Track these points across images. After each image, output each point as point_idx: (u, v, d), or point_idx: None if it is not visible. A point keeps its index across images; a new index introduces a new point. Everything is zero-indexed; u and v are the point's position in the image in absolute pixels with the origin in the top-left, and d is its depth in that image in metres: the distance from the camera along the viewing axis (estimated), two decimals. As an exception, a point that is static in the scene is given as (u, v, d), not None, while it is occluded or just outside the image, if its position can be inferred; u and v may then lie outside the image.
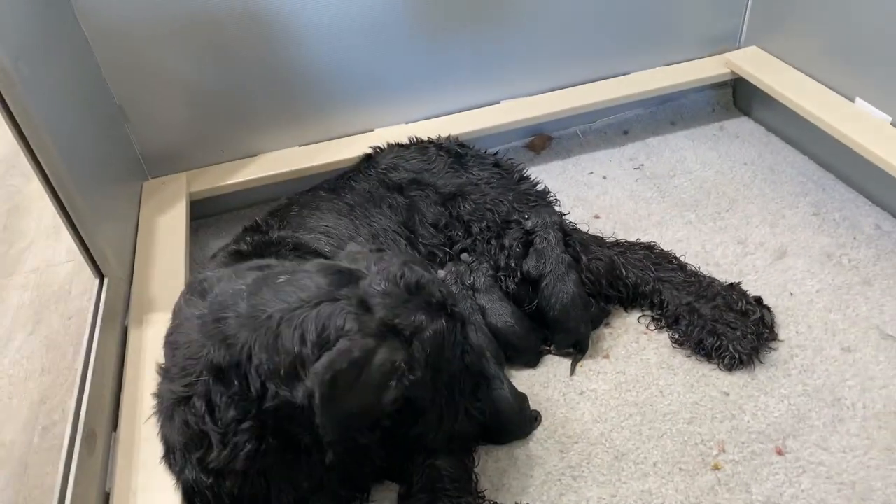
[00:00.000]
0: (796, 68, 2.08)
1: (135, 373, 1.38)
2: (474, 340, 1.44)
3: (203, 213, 2.05)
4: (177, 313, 1.25)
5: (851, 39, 1.87)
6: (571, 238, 1.65)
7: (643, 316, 1.63)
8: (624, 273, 1.62)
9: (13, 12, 1.35)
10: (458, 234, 1.71)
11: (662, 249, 1.72)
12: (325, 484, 1.23)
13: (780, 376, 1.46)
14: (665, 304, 1.60)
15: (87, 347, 1.34)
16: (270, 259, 1.35)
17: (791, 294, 1.65)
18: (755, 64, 2.15)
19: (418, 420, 1.22)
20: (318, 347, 1.02)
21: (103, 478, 1.21)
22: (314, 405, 1.02)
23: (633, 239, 1.78)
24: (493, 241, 1.67)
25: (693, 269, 1.68)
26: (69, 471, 1.12)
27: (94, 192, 1.54)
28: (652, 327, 1.60)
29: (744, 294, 1.60)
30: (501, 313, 1.54)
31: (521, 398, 1.41)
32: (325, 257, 1.49)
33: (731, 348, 1.49)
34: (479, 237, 1.69)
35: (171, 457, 1.16)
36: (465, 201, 1.72)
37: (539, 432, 1.41)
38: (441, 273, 1.64)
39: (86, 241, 1.45)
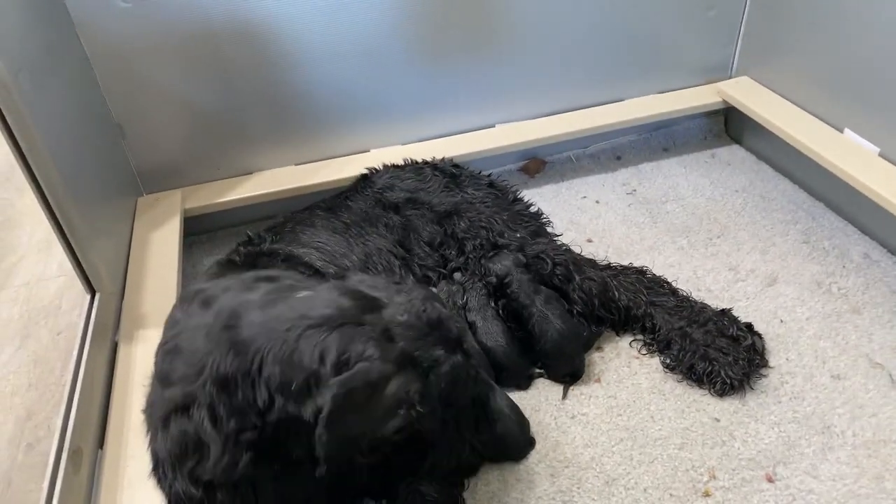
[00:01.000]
0: (786, 98, 2.11)
1: (123, 389, 1.37)
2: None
3: (197, 230, 2.05)
4: (173, 323, 1.24)
5: (840, 71, 1.90)
6: (558, 263, 1.63)
7: (635, 340, 1.63)
8: (616, 295, 1.63)
9: (14, 27, 1.36)
10: (451, 252, 1.72)
11: (654, 274, 1.73)
12: (313, 498, 1.21)
13: (771, 403, 1.47)
14: (657, 328, 1.60)
15: (76, 363, 1.33)
16: (272, 270, 1.36)
17: (781, 321, 1.66)
18: (746, 93, 2.19)
19: (423, 451, 1.22)
20: (337, 368, 1.03)
21: (89, 496, 1.20)
22: (319, 418, 1.01)
23: (625, 263, 1.79)
24: (483, 262, 1.68)
25: (684, 294, 1.69)
26: (54, 488, 1.11)
27: (88, 207, 1.54)
28: (643, 351, 1.61)
29: (735, 320, 1.61)
30: (492, 332, 1.54)
31: (524, 421, 1.41)
32: (315, 269, 1.50)
33: (722, 374, 1.49)
34: (471, 255, 1.70)
35: (161, 470, 1.14)
36: (461, 219, 1.74)
37: (530, 456, 1.40)
38: (434, 291, 1.65)
39: (79, 256, 1.44)
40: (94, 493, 1.20)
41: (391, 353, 1.05)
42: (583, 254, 1.81)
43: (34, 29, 1.47)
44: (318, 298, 1.11)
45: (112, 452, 1.25)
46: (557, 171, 2.29)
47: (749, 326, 1.60)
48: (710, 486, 1.32)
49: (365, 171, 1.90)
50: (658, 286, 1.68)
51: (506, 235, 1.69)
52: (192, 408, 1.08)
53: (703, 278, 1.80)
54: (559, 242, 1.78)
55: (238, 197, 1.97)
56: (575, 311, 1.60)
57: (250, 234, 1.64)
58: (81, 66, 1.72)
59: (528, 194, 2.05)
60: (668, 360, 1.56)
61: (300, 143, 2.06)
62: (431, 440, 1.19)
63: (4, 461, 1.49)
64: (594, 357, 1.60)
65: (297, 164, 2.08)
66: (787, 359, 1.56)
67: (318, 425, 1.02)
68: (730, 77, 2.32)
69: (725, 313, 1.63)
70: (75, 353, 1.36)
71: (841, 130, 1.93)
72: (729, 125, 2.39)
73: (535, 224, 1.78)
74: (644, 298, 1.64)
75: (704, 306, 1.65)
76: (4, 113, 1.22)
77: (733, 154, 2.31)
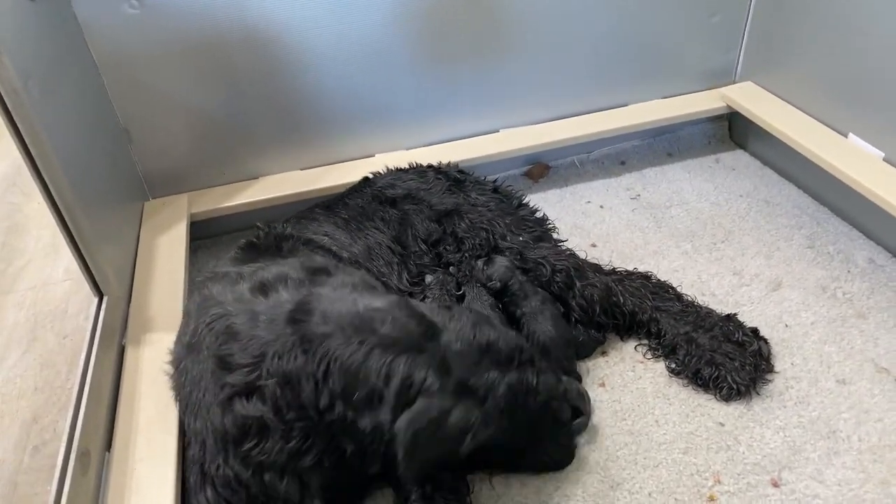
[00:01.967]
0: (790, 103, 2.12)
1: (131, 392, 1.37)
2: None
3: (203, 235, 2.06)
4: (210, 301, 1.28)
5: (844, 76, 1.91)
6: (559, 269, 1.63)
7: (640, 344, 1.63)
8: (621, 300, 1.62)
9: (25, 34, 1.37)
10: (448, 248, 1.72)
11: (659, 279, 1.73)
12: (355, 486, 1.28)
13: (776, 408, 1.47)
14: (663, 333, 1.60)
15: (83, 365, 1.34)
16: (315, 258, 1.41)
17: (786, 326, 1.66)
18: (750, 98, 2.19)
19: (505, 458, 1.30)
20: (398, 393, 1.10)
21: (96, 498, 1.20)
22: (397, 459, 1.10)
23: (630, 268, 1.79)
24: (486, 269, 1.68)
25: (689, 299, 1.69)
26: (62, 490, 1.11)
27: (96, 211, 1.55)
28: (648, 356, 1.61)
29: (741, 325, 1.61)
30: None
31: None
32: (333, 253, 1.55)
33: (728, 379, 1.49)
34: (468, 253, 1.70)
35: (207, 452, 1.18)
36: (462, 219, 1.74)
37: (534, 460, 1.40)
38: (428, 278, 1.67)
39: (86, 259, 1.45)
40: (102, 496, 1.21)
41: (448, 385, 1.11)
42: (587, 259, 1.81)
43: (43, 36, 1.48)
44: (388, 315, 1.17)
45: (120, 455, 1.25)
46: (561, 175, 2.30)
47: (755, 331, 1.60)
48: (716, 491, 1.32)
49: (367, 175, 1.91)
50: (663, 291, 1.69)
51: (508, 238, 1.69)
52: (255, 395, 1.14)
53: (707, 283, 1.80)
54: (563, 248, 1.78)
55: (244, 201, 1.98)
56: (573, 319, 1.60)
57: (260, 224, 1.63)
58: (89, 72, 1.74)
59: (532, 199, 2.05)
60: (673, 365, 1.56)
61: (305, 148, 2.07)
62: (504, 447, 1.26)
63: (11, 464, 1.49)
64: (599, 361, 1.60)
65: (302, 169, 2.09)
66: (792, 363, 1.56)
67: (397, 456, 1.10)
68: (734, 82, 2.33)
69: (731, 318, 1.63)
70: (83, 355, 1.37)
71: (845, 135, 1.93)
72: (733, 130, 2.39)
73: (540, 229, 1.78)
74: (649, 304, 1.64)
75: (710, 311, 1.65)
76: (15, 119, 1.23)
77: (737, 159, 2.31)
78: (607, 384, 1.55)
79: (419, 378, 1.11)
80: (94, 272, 1.47)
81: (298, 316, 1.17)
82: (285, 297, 1.22)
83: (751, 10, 2.21)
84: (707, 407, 1.48)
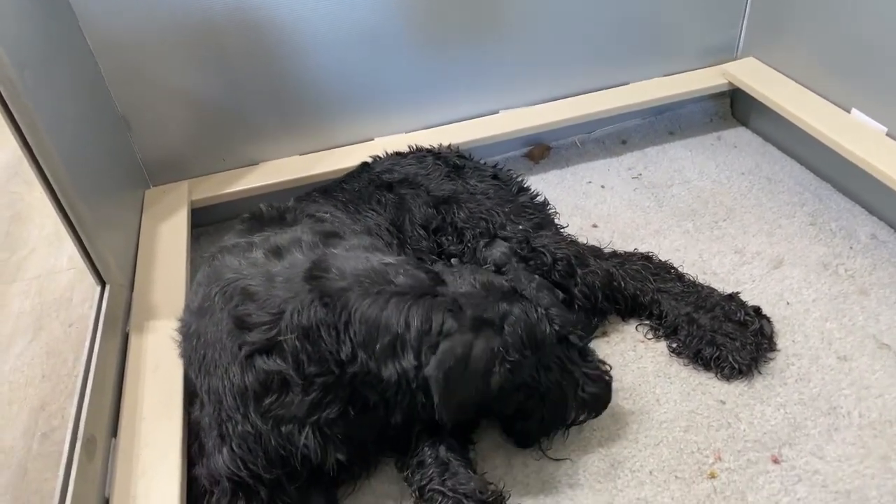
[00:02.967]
0: (793, 79, 2.09)
1: (135, 379, 1.39)
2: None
3: (204, 221, 2.07)
4: (227, 268, 1.30)
5: (847, 51, 1.88)
6: (559, 258, 1.62)
7: (640, 325, 1.64)
8: (623, 285, 1.62)
9: (19, 23, 1.37)
10: (449, 239, 1.72)
11: (660, 260, 1.72)
12: (377, 437, 1.31)
13: (777, 385, 1.47)
14: (664, 314, 1.60)
15: (87, 353, 1.35)
16: (325, 223, 1.46)
17: (787, 303, 1.66)
18: (752, 75, 2.17)
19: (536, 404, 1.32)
20: (420, 336, 1.16)
21: (103, 484, 1.22)
22: (435, 403, 1.16)
23: (631, 248, 1.79)
24: (483, 250, 1.68)
25: (691, 279, 1.68)
26: (69, 476, 1.13)
27: (96, 199, 1.55)
28: (649, 336, 1.61)
29: (743, 304, 1.61)
30: None
31: None
32: (335, 229, 1.55)
33: (730, 358, 1.49)
34: (469, 244, 1.70)
35: (226, 411, 1.20)
36: (460, 208, 1.73)
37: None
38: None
39: (88, 248, 1.46)
40: (109, 481, 1.22)
41: (465, 321, 1.17)
42: (588, 239, 1.81)
43: (38, 25, 1.48)
44: (401, 267, 1.23)
45: (125, 441, 1.27)
46: (562, 156, 2.29)
47: (757, 310, 1.60)
48: (716, 468, 1.33)
49: (366, 160, 1.91)
50: (664, 272, 1.68)
51: (507, 228, 1.68)
52: (274, 351, 1.17)
53: (708, 261, 1.80)
54: (565, 234, 1.77)
55: (244, 187, 1.98)
56: (576, 306, 1.59)
57: (262, 205, 1.64)
58: (85, 60, 1.73)
59: (532, 180, 2.06)
60: (674, 345, 1.57)
61: (304, 133, 2.07)
62: (540, 389, 1.29)
63: (20, 451, 1.52)
64: (600, 342, 1.61)
65: (301, 154, 2.09)
66: (793, 341, 1.56)
67: (433, 401, 1.16)
68: (735, 58, 2.31)
69: (733, 297, 1.62)
70: (87, 343, 1.38)
71: (848, 110, 1.91)
72: (735, 107, 2.37)
73: (540, 215, 1.76)
74: (651, 285, 1.63)
75: (711, 291, 1.65)
76: (11, 109, 1.23)
77: (739, 136, 2.29)
78: (608, 364, 1.55)
79: (437, 321, 1.16)
80: (95, 261, 1.48)
81: (316, 273, 1.21)
82: (300, 258, 1.27)
83: (752, -15, 2.18)
84: (708, 385, 1.49)
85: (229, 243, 1.42)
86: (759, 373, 1.50)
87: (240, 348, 1.18)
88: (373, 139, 2.12)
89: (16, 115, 1.24)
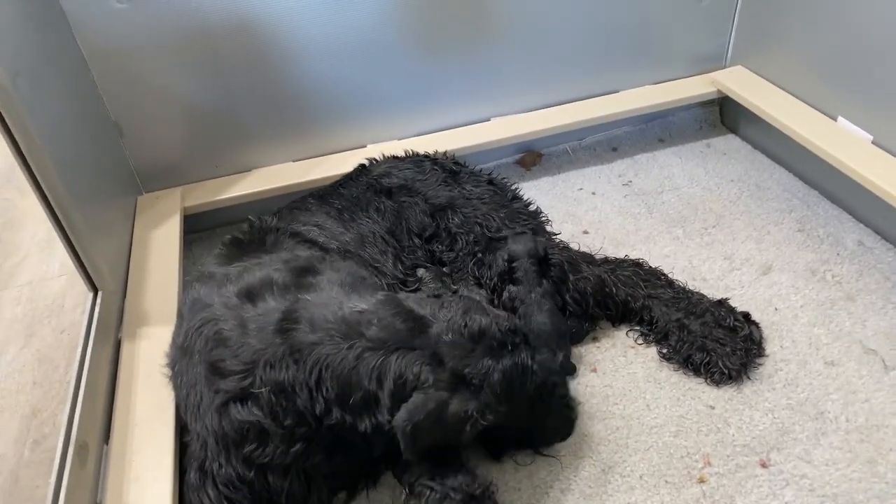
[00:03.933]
0: (781, 87, 2.12)
1: (128, 385, 1.39)
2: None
3: (197, 228, 2.07)
4: (200, 305, 1.29)
5: (834, 60, 1.91)
6: (553, 263, 1.64)
7: (631, 330, 1.65)
8: (614, 291, 1.64)
9: (12, 30, 1.37)
10: (442, 247, 1.73)
11: (651, 266, 1.74)
12: (360, 472, 1.31)
13: (765, 390, 1.49)
14: (655, 320, 1.62)
15: (80, 360, 1.35)
16: (299, 251, 1.41)
17: (776, 309, 1.67)
18: (741, 83, 2.20)
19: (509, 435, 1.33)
20: (393, 394, 1.12)
21: (95, 490, 1.22)
22: (401, 448, 1.13)
23: (621, 254, 1.81)
24: (480, 255, 1.68)
25: (681, 285, 1.70)
26: (61, 482, 1.13)
27: (89, 206, 1.55)
28: (640, 342, 1.62)
29: (732, 310, 1.62)
30: None
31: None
32: (320, 245, 1.55)
33: (720, 364, 1.51)
34: (462, 252, 1.70)
35: (210, 453, 1.19)
36: (455, 214, 1.74)
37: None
38: (420, 272, 1.68)
39: (80, 254, 1.46)
40: (101, 487, 1.22)
41: (442, 377, 1.13)
42: (579, 246, 1.82)
43: (31, 31, 1.48)
44: (374, 316, 1.17)
45: (117, 447, 1.27)
46: (554, 163, 2.30)
47: (746, 316, 1.62)
48: (705, 473, 1.34)
49: (363, 162, 1.91)
50: (655, 278, 1.70)
51: (503, 232, 1.70)
52: (249, 401, 1.16)
53: (698, 268, 1.82)
54: (557, 241, 1.79)
55: (237, 194, 1.99)
56: (568, 311, 1.61)
57: (251, 217, 1.64)
58: (78, 66, 1.74)
59: (524, 187, 2.07)
60: (665, 351, 1.58)
61: (297, 140, 2.08)
62: (517, 426, 1.29)
63: (11, 458, 1.51)
64: (590, 347, 1.62)
65: (294, 161, 2.09)
66: (781, 346, 1.58)
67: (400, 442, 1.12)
68: (724, 67, 2.33)
69: (723, 304, 1.64)
70: (79, 350, 1.38)
71: (835, 118, 1.94)
72: (724, 115, 2.40)
73: (534, 222, 1.78)
74: (642, 292, 1.65)
75: (701, 297, 1.66)
76: (4, 116, 1.23)
77: (728, 143, 2.32)
78: (599, 369, 1.57)
79: (412, 375, 1.12)
80: (88, 267, 1.49)
81: (286, 325, 1.18)
82: (273, 305, 1.23)
83: (740, -6, 2.21)
84: (697, 390, 1.50)
85: (207, 271, 1.40)
86: (749, 378, 1.51)
87: (215, 394, 1.18)
88: (366, 146, 2.13)
89: (9, 123, 1.25)
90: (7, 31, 1.33)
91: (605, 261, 1.74)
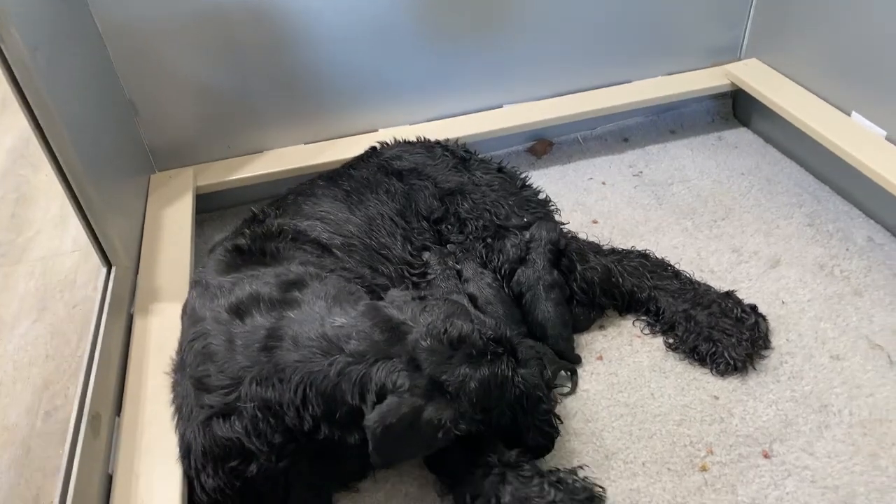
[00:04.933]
0: (795, 81, 2.11)
1: (139, 359, 1.41)
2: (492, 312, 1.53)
3: (208, 208, 2.09)
4: (195, 318, 1.30)
5: (849, 55, 1.90)
6: (565, 254, 1.64)
7: (637, 320, 1.66)
8: (620, 281, 1.64)
9: (31, 4, 1.38)
10: (450, 228, 1.74)
11: (657, 257, 1.74)
12: (347, 474, 1.31)
13: (770, 382, 1.50)
14: (661, 310, 1.63)
15: (94, 333, 1.37)
16: (291, 266, 1.39)
17: (783, 302, 1.68)
18: (754, 76, 2.19)
19: (485, 444, 1.27)
20: (376, 405, 1.11)
21: (106, 461, 1.24)
22: (369, 449, 1.10)
23: (630, 245, 1.81)
24: (490, 241, 1.69)
25: (687, 276, 1.71)
26: (74, 452, 1.15)
27: (104, 183, 1.57)
28: (646, 332, 1.63)
29: (739, 302, 1.63)
30: (486, 297, 1.57)
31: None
32: (323, 245, 1.54)
33: (726, 354, 1.52)
34: (471, 236, 1.71)
35: (195, 463, 1.19)
36: (465, 199, 1.75)
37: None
38: (425, 255, 1.68)
39: (95, 230, 1.48)
40: (113, 458, 1.25)
41: (419, 382, 1.12)
42: (588, 235, 1.83)
43: (49, 6, 1.49)
44: (353, 329, 1.17)
45: (129, 418, 1.29)
46: (564, 152, 2.30)
47: (753, 308, 1.62)
48: (708, 462, 1.36)
49: (374, 145, 1.92)
50: (661, 269, 1.70)
51: (512, 219, 1.71)
52: (233, 416, 1.16)
53: (706, 259, 1.82)
54: (565, 229, 1.79)
55: (248, 175, 2.00)
56: (575, 300, 1.62)
57: (255, 210, 1.66)
58: (95, 44, 1.75)
59: (534, 175, 2.07)
60: (671, 341, 1.59)
61: (309, 123, 2.08)
62: (488, 433, 1.25)
63: (24, 428, 1.54)
64: (597, 335, 1.63)
65: (306, 143, 2.10)
66: (787, 339, 1.59)
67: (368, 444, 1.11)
68: (738, 59, 2.32)
69: (730, 295, 1.65)
70: (93, 324, 1.40)
71: (848, 114, 1.93)
72: (737, 108, 2.39)
73: (542, 210, 1.78)
74: (648, 282, 1.65)
75: (708, 288, 1.67)
76: (24, 90, 1.25)
77: (740, 136, 2.31)
78: (605, 357, 1.58)
79: (391, 383, 1.12)
80: (103, 243, 1.50)
81: (271, 343, 1.18)
82: (259, 322, 1.23)
83: (757, -14, 2.19)
84: (702, 381, 1.51)
85: (204, 280, 1.39)
86: (754, 369, 1.52)
87: (200, 409, 1.19)
88: (377, 130, 2.13)
89: (28, 96, 1.26)
90: (26, 6, 1.34)
91: (613, 251, 1.75)
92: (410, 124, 2.15)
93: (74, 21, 1.66)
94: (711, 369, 1.53)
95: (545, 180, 2.14)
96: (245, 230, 1.55)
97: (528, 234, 1.63)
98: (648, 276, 1.68)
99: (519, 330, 1.55)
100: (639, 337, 1.63)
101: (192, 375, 1.22)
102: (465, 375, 1.13)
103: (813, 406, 1.44)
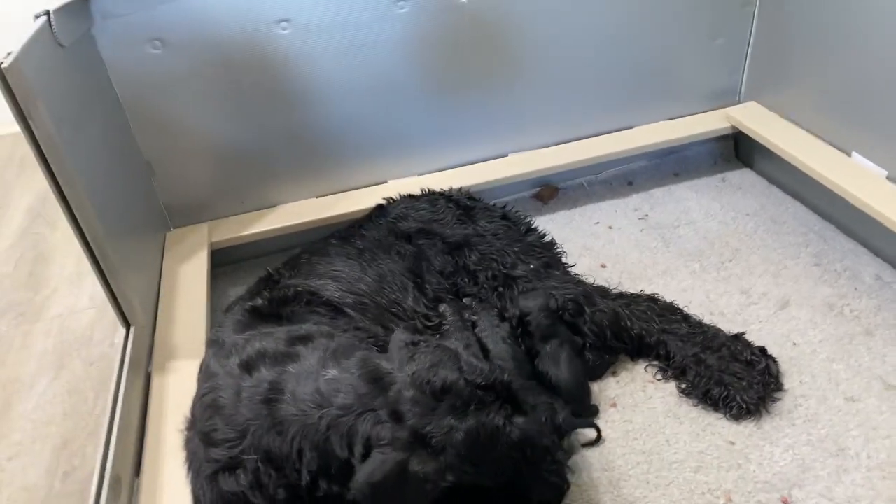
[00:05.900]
0: (794, 123, 2.16)
1: (158, 419, 1.43)
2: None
3: (223, 262, 2.12)
4: (208, 374, 1.32)
5: (847, 95, 1.94)
6: (563, 308, 1.65)
7: (650, 365, 1.67)
8: (629, 325, 1.65)
9: (59, 80, 1.45)
10: (464, 280, 1.77)
11: (666, 301, 1.75)
12: None
13: (785, 426, 1.49)
14: (671, 355, 1.63)
15: (113, 395, 1.39)
16: (302, 326, 1.41)
17: (794, 344, 1.68)
18: (754, 118, 2.23)
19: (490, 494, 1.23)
20: (364, 458, 1.09)
21: (127, 523, 1.25)
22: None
23: (639, 288, 1.83)
24: (501, 290, 1.72)
25: (697, 319, 1.71)
26: (96, 516, 1.16)
27: (121, 242, 1.61)
28: (658, 376, 1.64)
29: (748, 345, 1.63)
30: (500, 354, 1.57)
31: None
32: (335, 306, 1.56)
33: (738, 398, 1.51)
34: (484, 286, 1.74)
35: None
36: (472, 251, 1.78)
37: (548, 480, 1.43)
38: (441, 307, 1.69)
39: (114, 290, 1.51)
40: (132, 521, 1.26)
41: (402, 433, 1.09)
42: (597, 279, 1.85)
43: (73, 80, 1.55)
44: (342, 382, 1.17)
45: (149, 480, 1.30)
46: (570, 197, 2.34)
47: (762, 350, 1.63)
48: (727, 509, 1.35)
49: (381, 202, 1.97)
50: (670, 313, 1.71)
51: (518, 267, 1.73)
52: (238, 470, 1.17)
53: (715, 302, 1.83)
54: (572, 274, 1.82)
55: (262, 229, 2.04)
56: (587, 344, 1.63)
57: (270, 270, 1.70)
58: (114, 109, 1.82)
59: (541, 220, 2.10)
60: (683, 386, 1.59)
61: (320, 176, 2.14)
62: (495, 486, 1.20)
63: (42, 489, 1.55)
64: (610, 382, 1.64)
65: (317, 197, 2.15)
66: (800, 381, 1.59)
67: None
68: (738, 102, 2.37)
69: (739, 338, 1.65)
70: (112, 385, 1.42)
71: (849, 154, 1.96)
72: (739, 149, 2.43)
73: (548, 255, 1.81)
74: (657, 326, 1.66)
75: (717, 331, 1.68)
76: (49, 162, 1.29)
77: (744, 178, 2.34)
78: (619, 404, 1.58)
79: (376, 435, 1.10)
80: (121, 302, 1.53)
81: (272, 396, 1.19)
82: (264, 375, 1.24)
83: (753, 33, 2.25)
84: (717, 426, 1.51)
85: (220, 338, 1.41)
86: (768, 412, 1.52)
87: (207, 463, 1.20)
88: (386, 181, 2.18)
89: (53, 167, 1.31)
90: (52, 82, 1.40)
91: (621, 295, 1.76)
92: (419, 175, 2.20)
93: (96, 90, 1.72)
94: (725, 414, 1.53)
95: (552, 225, 2.17)
96: (262, 291, 1.58)
97: (518, 311, 1.64)
98: (657, 319, 1.69)
99: (530, 383, 1.56)
100: (652, 382, 1.63)
101: (200, 430, 1.24)
102: (449, 426, 1.10)
103: (830, 450, 1.43)
